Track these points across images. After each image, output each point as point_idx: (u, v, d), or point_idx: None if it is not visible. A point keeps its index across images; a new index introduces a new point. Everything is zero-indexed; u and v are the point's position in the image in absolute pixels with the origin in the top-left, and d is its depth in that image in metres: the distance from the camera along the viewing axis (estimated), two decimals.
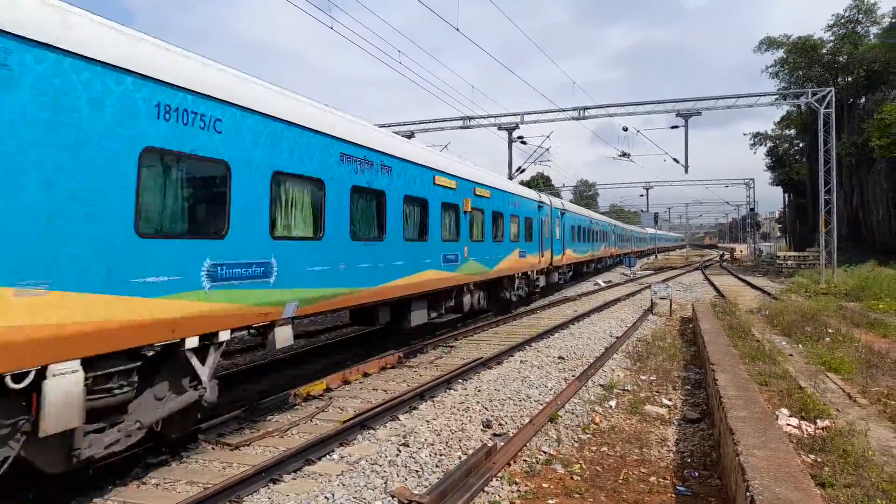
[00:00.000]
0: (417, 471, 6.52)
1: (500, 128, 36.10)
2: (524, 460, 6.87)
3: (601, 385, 10.37)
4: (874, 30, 45.65)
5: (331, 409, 9.09)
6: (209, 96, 6.69)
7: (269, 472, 6.29)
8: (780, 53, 50.09)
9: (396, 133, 14.84)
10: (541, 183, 78.36)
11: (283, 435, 7.88)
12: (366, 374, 11.35)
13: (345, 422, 8.02)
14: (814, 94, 31.81)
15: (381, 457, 6.93)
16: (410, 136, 33.43)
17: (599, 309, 21.71)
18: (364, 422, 8.06)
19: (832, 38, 47.06)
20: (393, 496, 5.75)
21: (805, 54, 47.97)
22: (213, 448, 7.40)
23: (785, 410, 8.17)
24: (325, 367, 11.93)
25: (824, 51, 47.41)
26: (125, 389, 5.73)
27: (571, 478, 6.42)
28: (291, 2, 14.31)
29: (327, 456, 7.05)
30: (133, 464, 6.66)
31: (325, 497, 5.81)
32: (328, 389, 10.15)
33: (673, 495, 5.98)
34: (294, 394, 9.49)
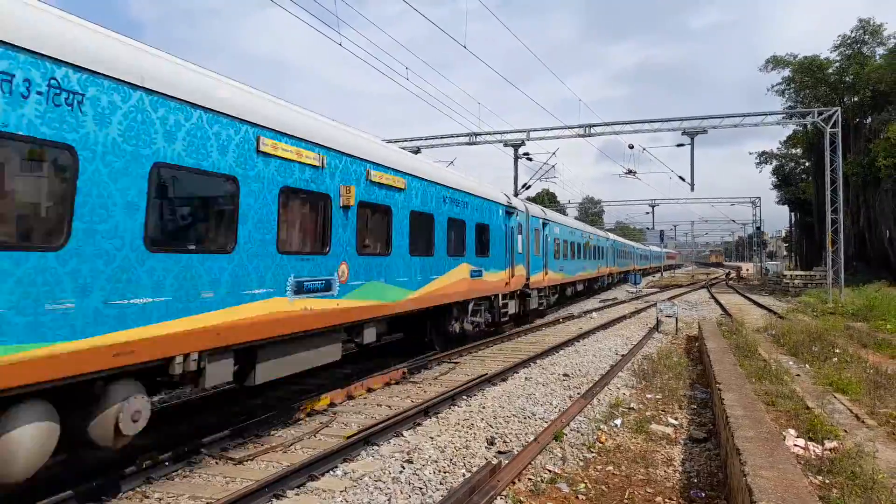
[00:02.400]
0: (421, 488, 6.48)
1: (505, 144, 36.23)
2: (529, 479, 6.83)
3: (607, 403, 10.31)
4: (880, 50, 45.76)
5: (335, 425, 9.06)
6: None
7: (272, 488, 6.25)
8: (787, 73, 50.23)
9: (403, 148, 18.26)
10: (546, 199, 78.41)
11: (287, 450, 7.86)
12: (370, 390, 11.32)
13: (349, 437, 8.00)
14: (820, 114, 31.90)
15: (384, 473, 6.89)
16: (417, 151, 33.58)
17: (605, 326, 21.63)
18: (368, 437, 8.03)
19: (839, 58, 47.18)
20: None
21: (811, 74, 48.06)
22: (216, 462, 7.38)
23: (792, 431, 8.11)
24: (328, 382, 11.89)
25: (831, 70, 47.49)
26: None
27: (576, 497, 6.37)
28: (301, 18, 14.50)
29: (331, 472, 7.02)
30: (134, 476, 6.64)
31: None
32: (332, 404, 10.12)
33: None
34: (298, 409, 9.46)
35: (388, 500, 6.15)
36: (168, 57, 6.63)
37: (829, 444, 7.53)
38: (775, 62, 50.53)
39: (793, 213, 72.00)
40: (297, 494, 6.36)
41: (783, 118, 36.20)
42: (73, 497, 6.00)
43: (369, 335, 10.53)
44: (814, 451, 7.34)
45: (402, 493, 6.34)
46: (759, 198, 68.39)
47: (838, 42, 47.09)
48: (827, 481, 6.36)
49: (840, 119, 30.95)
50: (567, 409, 9.56)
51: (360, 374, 12.13)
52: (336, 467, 7.13)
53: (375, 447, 7.90)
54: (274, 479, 6.35)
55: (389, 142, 19.58)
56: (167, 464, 7.04)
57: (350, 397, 10.70)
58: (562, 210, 68.50)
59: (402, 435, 8.47)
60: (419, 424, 9.04)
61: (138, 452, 7.20)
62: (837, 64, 47.15)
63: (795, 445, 7.47)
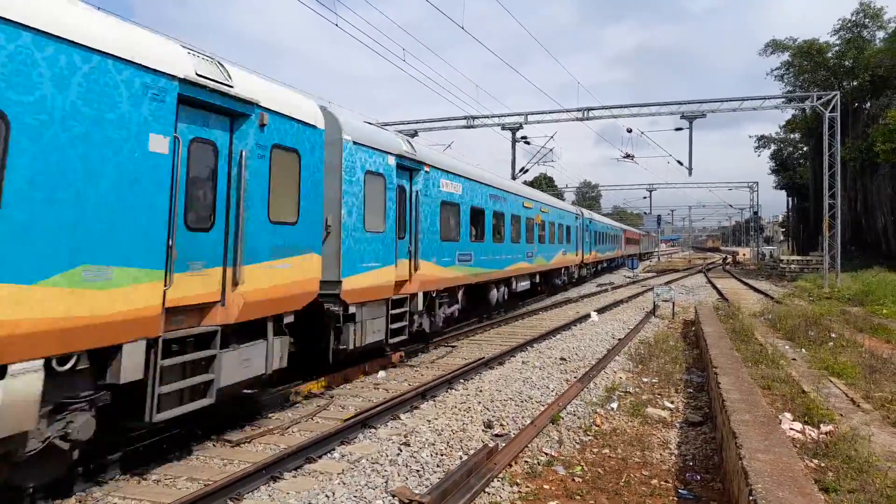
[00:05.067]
0: (418, 470, 6.50)
1: (503, 127, 36.09)
2: (525, 461, 6.85)
3: (603, 387, 10.34)
4: (880, 34, 45.46)
5: (332, 408, 9.08)
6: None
7: (269, 470, 6.26)
8: (786, 56, 49.94)
9: (400, 132, 19.06)
10: (544, 184, 78.18)
11: (284, 433, 7.87)
12: (367, 373, 11.33)
13: (346, 420, 8.01)
14: (819, 98, 31.75)
15: (382, 456, 6.91)
16: (414, 134, 33.41)
17: (601, 311, 21.67)
18: (365, 420, 8.04)
19: (838, 41, 46.88)
20: (394, 495, 5.73)
21: (810, 58, 47.78)
22: (214, 445, 7.39)
23: (788, 415, 8.13)
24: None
25: (830, 55, 47.20)
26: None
27: (573, 479, 6.40)
28: None
29: (328, 454, 7.03)
30: (133, 458, 6.65)
31: (326, 495, 5.79)
32: (329, 387, 10.13)
33: (675, 498, 5.95)
34: (295, 391, 9.47)
35: (386, 482, 6.16)
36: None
37: (824, 428, 7.56)
38: (775, 46, 50.23)
39: (790, 198, 72.01)
40: (294, 477, 6.37)
41: (782, 102, 36.08)
42: (69, 478, 5.99)
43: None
44: (810, 434, 7.37)
45: (399, 475, 6.36)
46: (757, 182, 68.53)
47: (838, 26, 46.81)
48: (823, 464, 6.39)
49: (839, 103, 30.84)
50: (564, 393, 9.58)
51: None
52: (333, 450, 7.15)
53: (373, 430, 7.92)
54: (271, 462, 6.36)
55: (386, 125, 20.63)
56: (164, 445, 7.04)
57: (347, 380, 10.71)
58: (559, 195, 68.48)
59: (400, 418, 8.49)
60: (416, 408, 9.06)
61: (136, 434, 7.21)
62: (837, 48, 46.84)
63: (791, 429, 7.49)
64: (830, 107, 30.71)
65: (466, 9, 19.40)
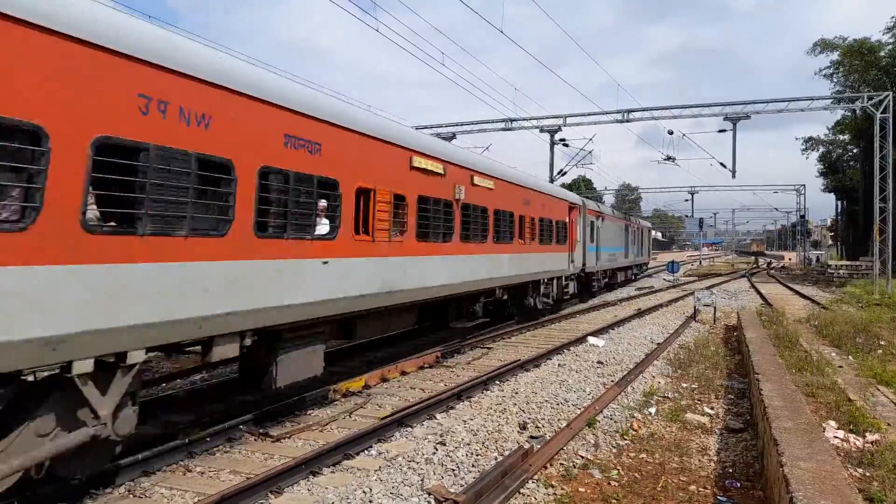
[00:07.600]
0: (454, 469, 6.56)
1: (542, 130, 35.88)
2: (561, 464, 6.85)
3: (641, 391, 10.24)
4: None
5: (369, 406, 9.22)
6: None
7: (309, 465, 6.42)
8: (835, 56, 48.44)
9: (438, 135, 19.63)
10: (582, 186, 77.50)
11: (323, 429, 8.03)
12: (404, 373, 11.45)
13: (383, 419, 8.13)
14: (870, 98, 30.76)
15: (418, 454, 6.99)
16: (452, 137, 33.53)
17: (640, 314, 21.40)
18: (402, 419, 8.15)
19: (891, 40, 45.24)
20: (429, 493, 5.80)
21: (861, 57, 46.22)
22: (255, 439, 7.59)
23: (832, 423, 7.94)
24: (361, 365, 12.06)
25: (882, 53, 45.57)
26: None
27: (608, 483, 6.37)
28: (337, 4, 14.57)
29: (365, 451, 7.16)
30: (178, 450, 6.88)
31: (363, 491, 5.90)
32: (367, 386, 10.28)
33: None
34: (333, 389, 9.64)
35: (422, 480, 6.24)
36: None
37: (870, 437, 7.36)
38: (823, 45, 48.76)
39: (839, 202, 69.70)
40: (332, 472, 6.51)
41: (831, 103, 35.00)
42: (120, 468, 6.25)
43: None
44: (854, 443, 7.19)
45: (434, 473, 6.43)
46: (804, 185, 66.44)
47: (891, 24, 45.13)
48: (867, 474, 6.23)
49: (891, 104, 29.80)
50: (600, 397, 9.53)
51: (392, 359, 12.27)
52: (371, 447, 7.27)
53: (409, 429, 8.02)
54: (311, 457, 6.52)
55: (422, 128, 22.31)
56: (208, 440, 7.26)
57: (384, 380, 10.85)
58: (598, 198, 67.75)
59: (436, 417, 8.57)
60: (452, 408, 9.13)
61: (180, 428, 7.47)
62: (890, 47, 45.21)
63: (835, 437, 7.32)
64: (882, 107, 29.70)
65: (505, 11, 19.45)
